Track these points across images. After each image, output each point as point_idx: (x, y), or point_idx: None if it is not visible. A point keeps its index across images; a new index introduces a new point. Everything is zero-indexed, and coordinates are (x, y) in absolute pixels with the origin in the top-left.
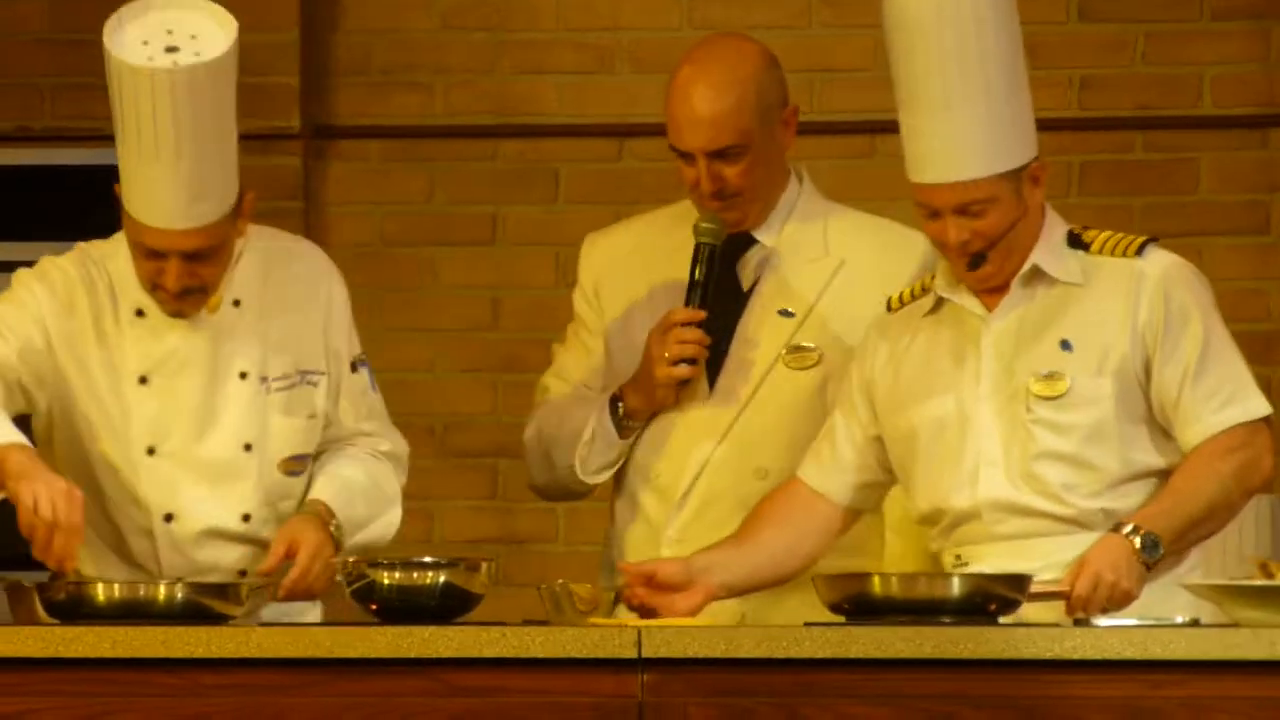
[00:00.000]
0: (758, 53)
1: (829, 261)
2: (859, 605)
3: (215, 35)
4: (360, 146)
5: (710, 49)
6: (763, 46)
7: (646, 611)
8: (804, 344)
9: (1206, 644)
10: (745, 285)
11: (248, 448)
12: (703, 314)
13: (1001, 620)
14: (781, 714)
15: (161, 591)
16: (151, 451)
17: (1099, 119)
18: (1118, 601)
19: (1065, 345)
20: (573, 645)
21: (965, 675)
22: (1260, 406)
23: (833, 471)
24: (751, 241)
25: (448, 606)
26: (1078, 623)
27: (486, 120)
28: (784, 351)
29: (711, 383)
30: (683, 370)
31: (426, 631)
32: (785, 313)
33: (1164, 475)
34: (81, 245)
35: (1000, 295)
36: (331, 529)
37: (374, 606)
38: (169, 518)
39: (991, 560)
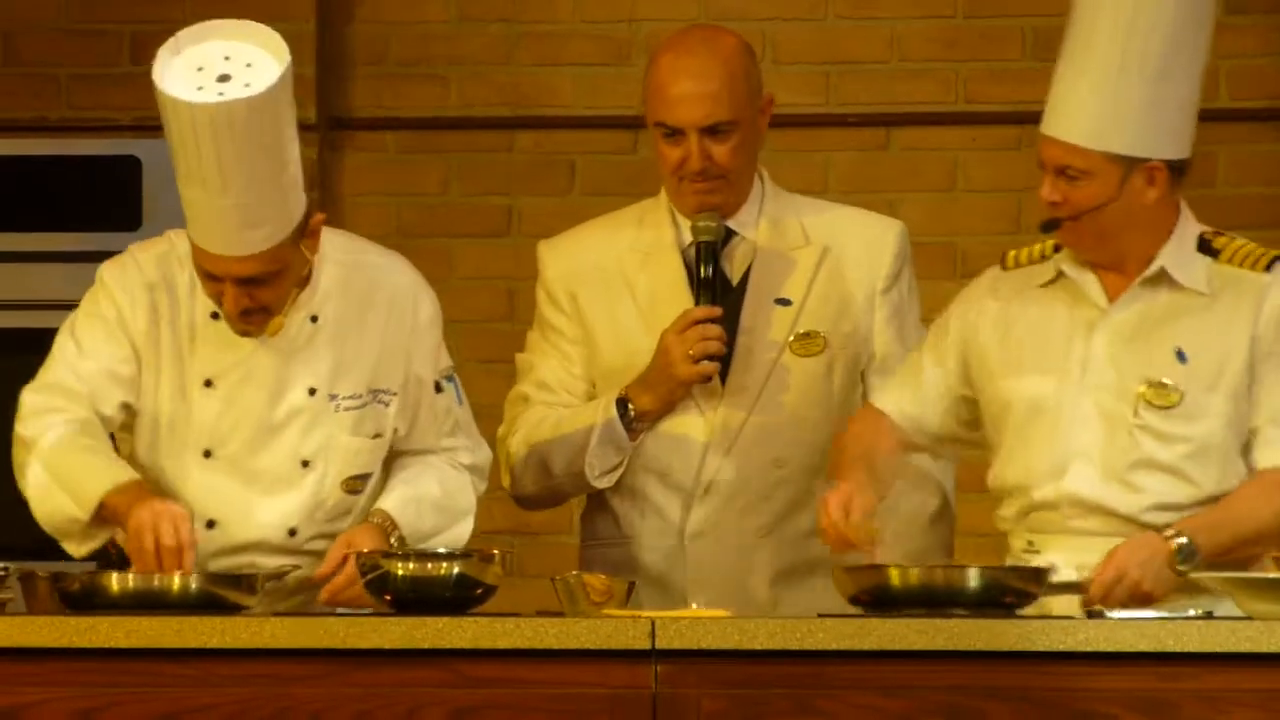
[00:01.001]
0: (736, 39)
1: (813, 249)
2: (877, 597)
3: (268, 65)
4: (376, 138)
5: (690, 34)
6: (738, 35)
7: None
8: (808, 330)
9: (1220, 637)
10: (735, 279)
11: (305, 464)
12: (719, 311)
13: (1018, 613)
14: (794, 705)
15: (176, 582)
16: (208, 454)
17: None
18: (1138, 600)
19: (1180, 355)
20: (586, 636)
21: (979, 667)
22: None
23: (917, 405)
24: (731, 234)
25: (461, 597)
26: (1091, 615)
27: (502, 112)
28: (790, 340)
29: (723, 377)
30: (707, 366)
31: (440, 622)
32: (783, 301)
33: None
34: (170, 235)
35: (1119, 282)
36: (392, 540)
37: (388, 597)
38: (211, 524)
39: (1065, 554)
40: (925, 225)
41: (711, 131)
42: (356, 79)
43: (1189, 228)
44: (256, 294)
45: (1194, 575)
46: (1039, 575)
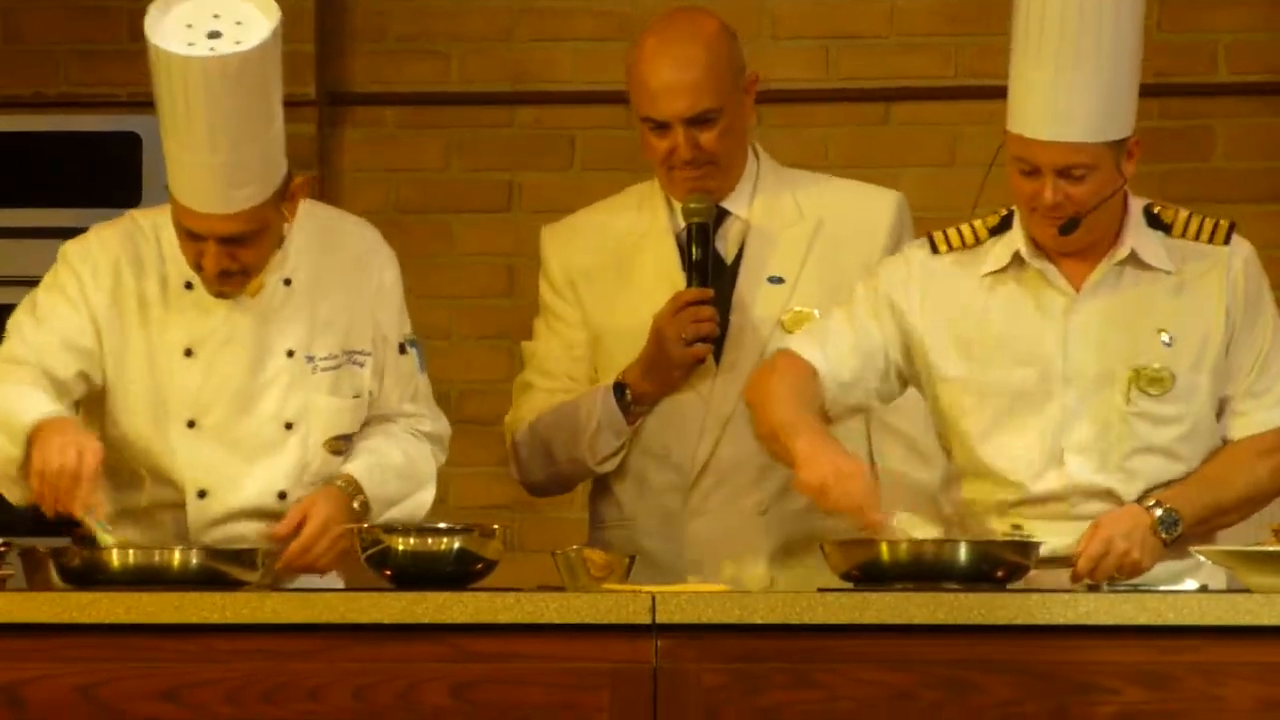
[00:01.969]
0: (716, 23)
1: (806, 225)
2: (869, 572)
3: (258, 22)
4: (376, 113)
5: (670, 22)
6: (718, 17)
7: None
8: (801, 308)
9: (1219, 609)
10: (729, 258)
11: (289, 426)
12: (711, 292)
13: (1010, 587)
14: (794, 679)
15: (176, 557)
16: (192, 425)
17: None
18: (1126, 571)
19: (1165, 338)
20: (587, 611)
21: (978, 640)
22: None
23: (826, 362)
24: (725, 214)
25: (462, 572)
26: (1091, 589)
27: (503, 87)
28: (783, 318)
29: (716, 357)
30: (700, 349)
31: (440, 597)
32: (775, 279)
33: None
34: (133, 213)
35: (1080, 267)
36: (355, 505)
37: (388, 572)
38: (202, 494)
39: (1055, 536)
40: (925, 199)
41: (697, 121)
42: (356, 54)
43: (1135, 203)
44: (238, 254)
45: (1194, 549)
46: (1030, 549)
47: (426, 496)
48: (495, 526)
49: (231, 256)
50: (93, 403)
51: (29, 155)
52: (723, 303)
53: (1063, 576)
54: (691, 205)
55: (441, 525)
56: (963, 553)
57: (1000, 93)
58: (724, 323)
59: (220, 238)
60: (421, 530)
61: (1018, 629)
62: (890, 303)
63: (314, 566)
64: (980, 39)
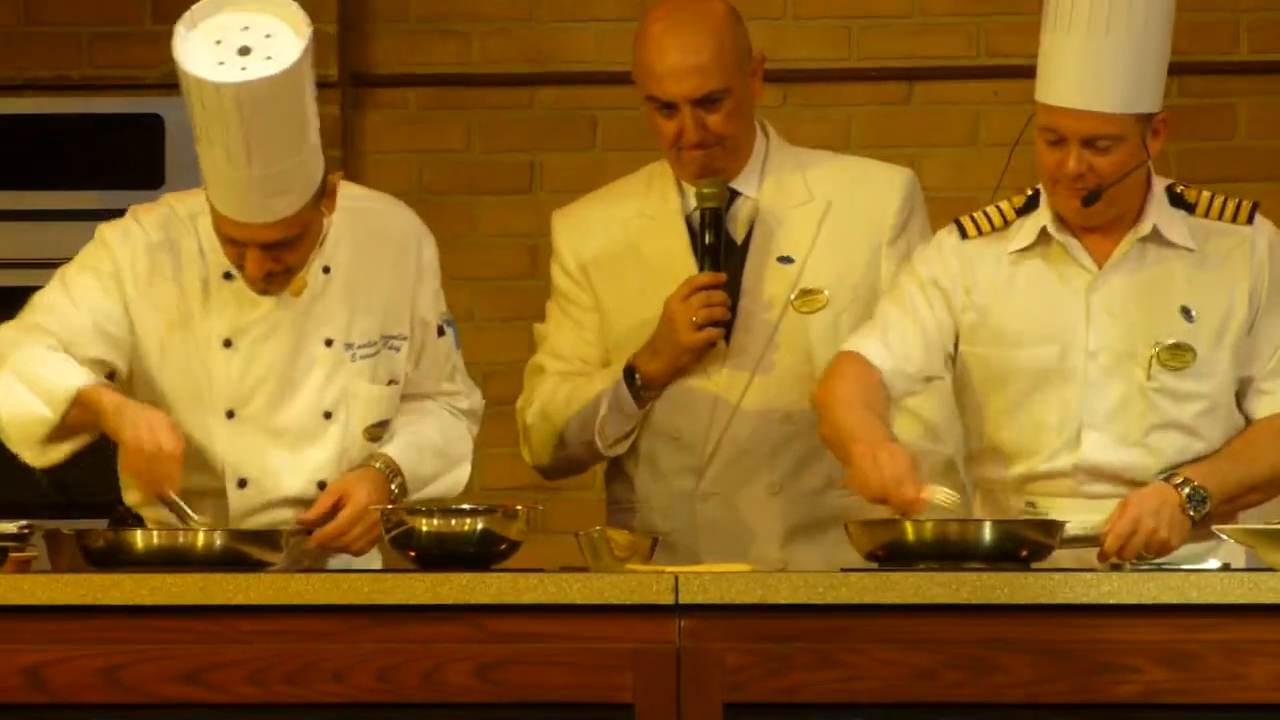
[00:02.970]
0: (723, 4)
1: (816, 205)
2: (893, 552)
3: (288, 36)
4: (398, 95)
5: (676, 4)
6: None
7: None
8: (810, 287)
9: (1243, 588)
10: (738, 238)
11: (328, 415)
12: (724, 276)
13: (1034, 566)
14: (817, 659)
15: (200, 538)
16: (231, 415)
17: None
18: (1155, 549)
19: (1187, 314)
20: (610, 591)
21: (1001, 620)
22: None
23: (892, 358)
24: (734, 195)
25: (486, 553)
26: (1114, 568)
27: (524, 68)
28: (792, 297)
29: (726, 338)
30: (712, 332)
31: (464, 578)
32: (785, 259)
33: None
34: (169, 199)
35: (1104, 244)
36: (394, 487)
37: (412, 553)
38: (243, 483)
39: (1069, 515)
40: (948, 179)
41: (704, 102)
42: (378, 35)
43: (1157, 182)
44: (281, 256)
45: (1216, 528)
46: (1054, 528)
47: (462, 474)
48: (519, 507)
49: (275, 259)
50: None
51: (52, 137)
52: (733, 284)
53: (1089, 555)
54: (704, 190)
55: (465, 506)
56: (987, 532)
57: (1023, 72)
58: (734, 304)
59: (262, 244)
60: (445, 511)
61: (1040, 608)
62: (938, 286)
63: (349, 549)
64: (1003, 18)
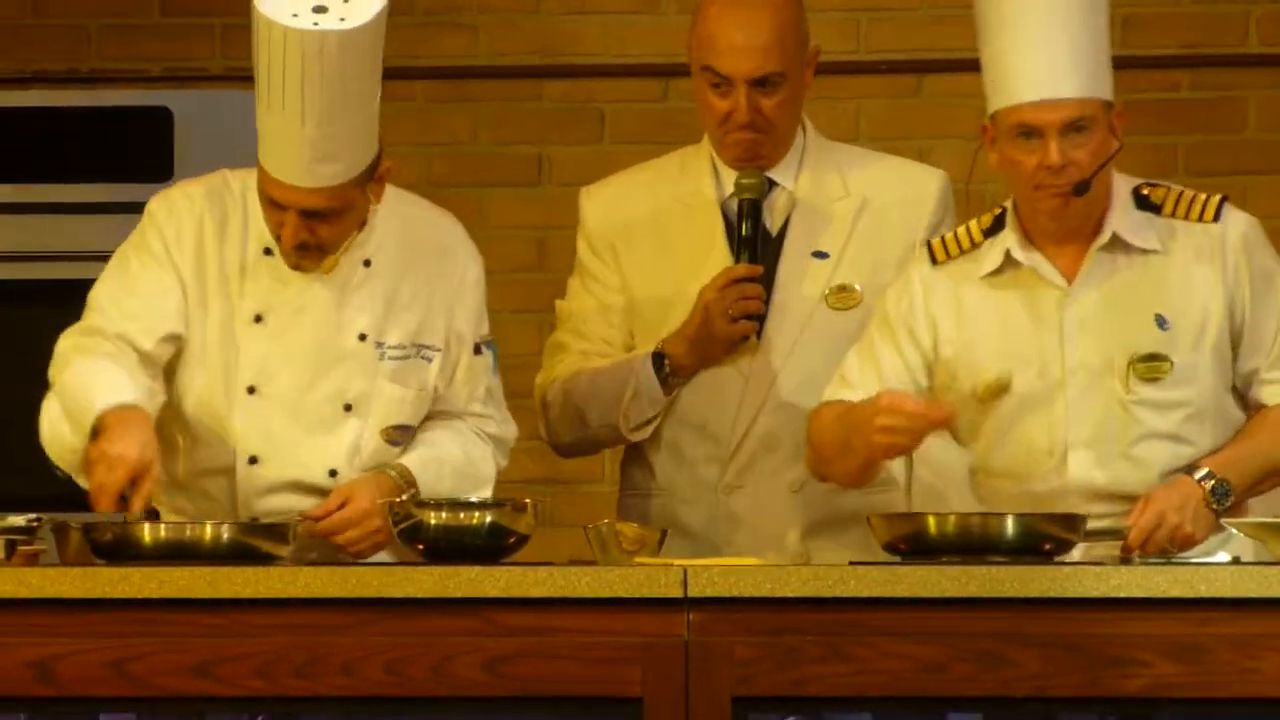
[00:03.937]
0: None
1: (851, 201)
2: (915, 545)
3: (365, 3)
4: (405, 87)
5: None
6: None
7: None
8: (844, 284)
9: (1253, 582)
10: (774, 230)
11: (348, 408)
12: (760, 269)
13: (1056, 560)
14: (827, 652)
15: (208, 531)
16: (252, 390)
17: (1145, 58)
18: (1179, 544)
19: (1161, 322)
20: (619, 585)
21: (1011, 614)
22: None
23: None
24: (772, 185)
25: (494, 546)
26: (1124, 562)
27: (532, 60)
28: (826, 293)
29: (759, 331)
30: (746, 325)
31: (473, 571)
32: (820, 254)
33: None
34: (224, 172)
35: (1071, 258)
36: (404, 498)
37: (420, 546)
38: (254, 460)
39: None
40: (957, 171)
41: (761, 84)
42: (386, 27)
43: (1121, 185)
44: (317, 229)
45: (1225, 521)
46: (1077, 523)
47: (485, 495)
48: (527, 500)
49: (310, 231)
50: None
51: (61, 130)
52: (767, 276)
53: (1113, 549)
54: (744, 181)
55: (473, 499)
56: (1010, 526)
57: None
58: (768, 296)
59: (302, 210)
60: (454, 505)
61: (1049, 602)
62: (907, 329)
63: (347, 549)
64: None
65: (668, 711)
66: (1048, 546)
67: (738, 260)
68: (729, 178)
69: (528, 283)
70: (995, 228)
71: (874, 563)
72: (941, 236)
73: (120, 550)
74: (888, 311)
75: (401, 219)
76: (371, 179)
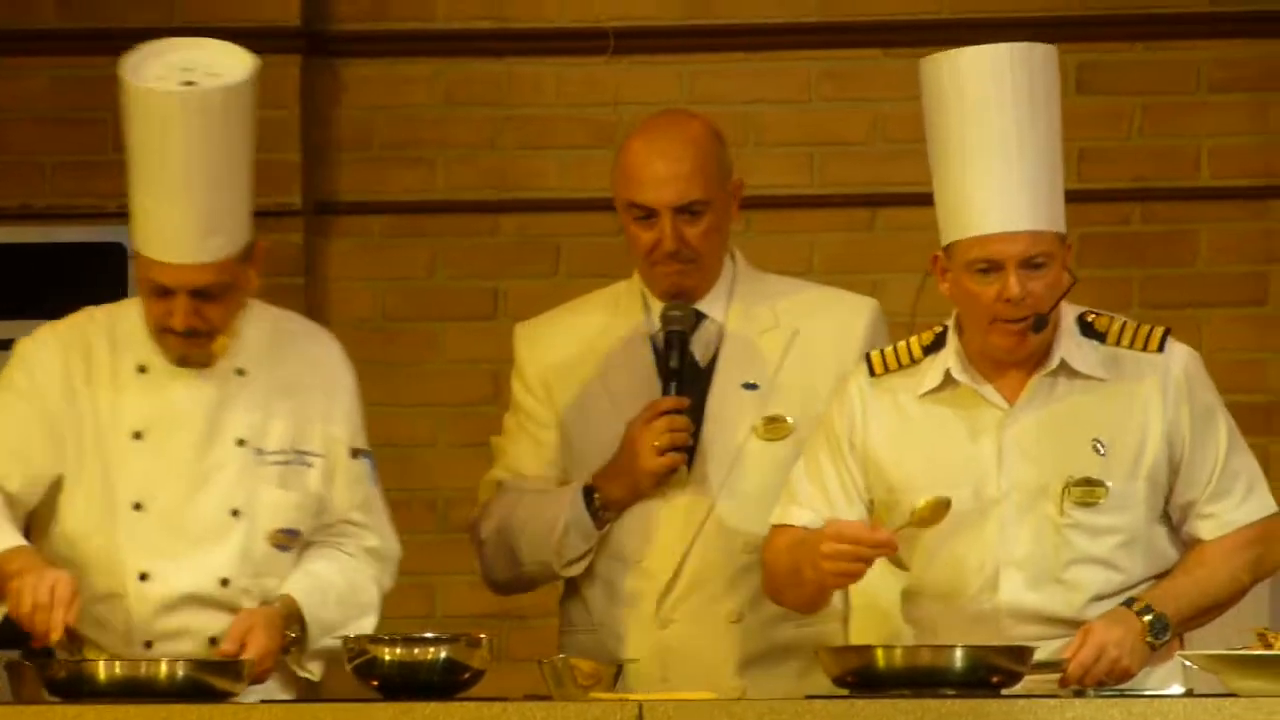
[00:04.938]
0: (704, 122)
1: (781, 332)
2: (863, 678)
3: (234, 68)
4: (362, 222)
5: (660, 119)
6: (707, 119)
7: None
8: (775, 415)
9: (1205, 714)
10: (704, 362)
11: (235, 513)
12: (687, 401)
13: (1004, 692)
14: None
15: (163, 669)
16: (138, 507)
17: (1097, 191)
18: (1116, 677)
19: (1098, 448)
20: None
21: None
22: (1272, 504)
23: (829, 512)
24: (701, 317)
25: (449, 682)
26: (1077, 694)
27: (488, 195)
28: (757, 424)
29: (689, 463)
30: (674, 458)
31: (428, 708)
32: (750, 385)
33: None
34: (89, 308)
35: (1016, 383)
36: (289, 632)
37: (375, 682)
38: (144, 576)
39: None
40: (912, 305)
41: (684, 211)
42: (342, 163)
43: (1067, 312)
44: (205, 311)
45: (1181, 654)
46: (1024, 654)
47: (367, 624)
48: (482, 635)
49: (199, 314)
50: (45, 500)
51: (15, 266)
52: (697, 409)
53: (1051, 681)
54: (670, 313)
55: (428, 634)
56: (958, 659)
57: None
58: (696, 429)
59: (191, 290)
60: (408, 640)
61: None
62: (850, 442)
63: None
64: None
65: None
66: (995, 679)
67: (666, 392)
68: (659, 310)
69: (483, 416)
70: (935, 345)
71: (829, 696)
72: (881, 350)
73: (75, 687)
74: (830, 423)
75: (274, 329)
76: (249, 259)
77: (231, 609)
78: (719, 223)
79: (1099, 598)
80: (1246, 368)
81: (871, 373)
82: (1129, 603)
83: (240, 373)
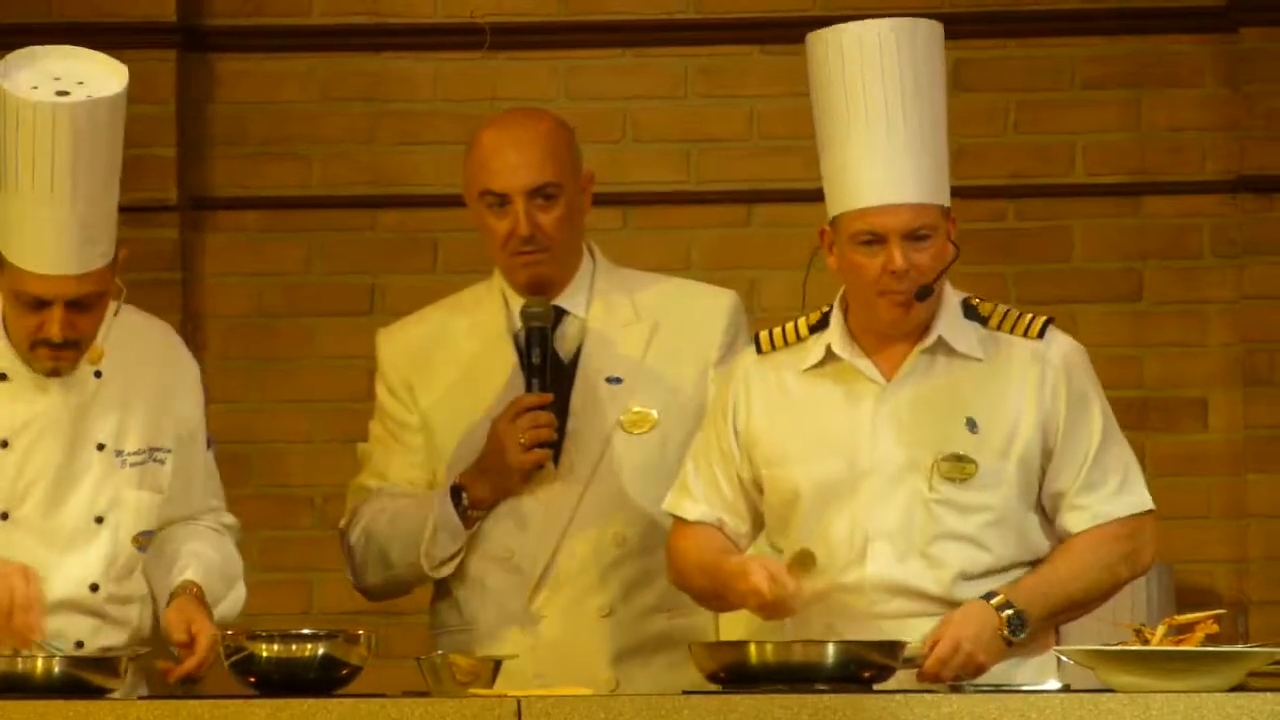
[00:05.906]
0: (555, 117)
1: (643, 325)
2: (735, 674)
3: (106, 78)
4: (238, 217)
5: (511, 113)
6: (558, 116)
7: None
8: (639, 408)
9: (1082, 710)
10: (566, 358)
11: (99, 520)
12: (550, 397)
13: (876, 687)
14: None
15: (39, 665)
16: (5, 516)
17: (972, 188)
18: (970, 672)
19: (972, 425)
20: (452, 716)
21: None
22: (1147, 500)
23: (720, 504)
24: (562, 314)
25: (327, 678)
26: (954, 689)
27: (364, 191)
28: (621, 418)
29: (555, 459)
30: (539, 454)
31: (305, 704)
32: (613, 379)
33: None
34: None
35: (895, 360)
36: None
37: (252, 679)
38: None
39: (866, 636)
40: (789, 300)
41: (538, 195)
42: (217, 159)
43: (951, 295)
44: (78, 322)
45: (1057, 649)
46: (896, 649)
47: (241, 592)
48: (360, 632)
49: (72, 325)
50: None
51: None
52: (561, 404)
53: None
54: (530, 309)
55: (306, 631)
56: (830, 654)
57: None
58: (562, 424)
59: (68, 301)
60: (285, 636)
61: None
62: (734, 427)
63: (199, 675)
64: None
65: None
66: (867, 674)
67: (529, 389)
68: (519, 308)
69: (359, 413)
70: (821, 325)
71: (706, 692)
72: (770, 329)
73: None
74: (716, 407)
75: (119, 328)
76: (115, 264)
77: (99, 614)
78: (572, 212)
79: (966, 576)
80: (1121, 364)
81: (759, 350)
82: (989, 596)
83: (98, 374)
